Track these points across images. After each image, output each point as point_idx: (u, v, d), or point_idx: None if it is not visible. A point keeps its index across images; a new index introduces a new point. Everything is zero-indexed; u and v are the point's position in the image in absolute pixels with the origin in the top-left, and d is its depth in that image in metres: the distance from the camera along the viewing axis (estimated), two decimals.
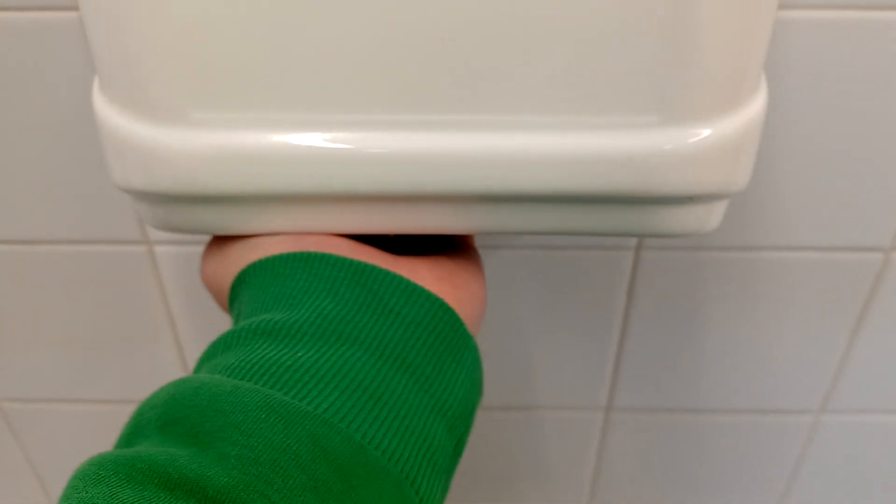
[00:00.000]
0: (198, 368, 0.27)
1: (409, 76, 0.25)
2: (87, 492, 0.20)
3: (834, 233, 0.48)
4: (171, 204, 0.29)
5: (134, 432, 0.24)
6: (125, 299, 0.53)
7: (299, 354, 0.24)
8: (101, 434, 0.61)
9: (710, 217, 0.29)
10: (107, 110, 0.27)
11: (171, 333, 0.55)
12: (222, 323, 0.54)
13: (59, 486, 0.63)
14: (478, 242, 0.36)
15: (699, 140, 0.26)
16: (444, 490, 0.26)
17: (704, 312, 0.52)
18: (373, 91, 0.25)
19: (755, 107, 0.27)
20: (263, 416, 0.22)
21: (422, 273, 0.28)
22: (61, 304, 0.53)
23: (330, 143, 0.26)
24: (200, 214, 0.29)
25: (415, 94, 0.25)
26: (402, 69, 0.25)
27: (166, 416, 0.23)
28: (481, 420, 0.58)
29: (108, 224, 0.49)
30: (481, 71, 0.25)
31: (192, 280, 0.52)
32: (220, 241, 0.31)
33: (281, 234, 0.29)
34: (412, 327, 0.26)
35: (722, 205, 0.29)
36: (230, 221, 0.29)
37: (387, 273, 0.27)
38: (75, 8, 0.41)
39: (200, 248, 0.50)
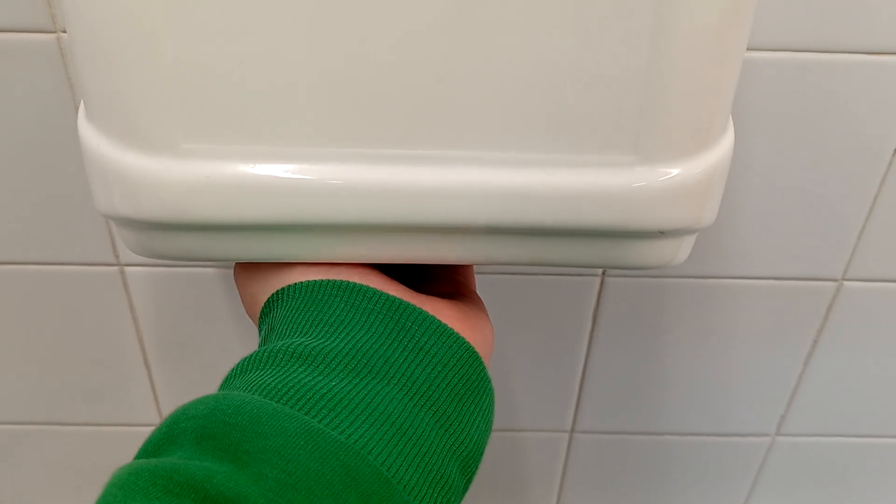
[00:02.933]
0: (229, 381, 0.27)
1: (395, 112, 0.26)
2: (125, 502, 0.21)
3: (789, 263, 0.50)
4: (155, 231, 0.29)
5: (165, 440, 0.24)
6: (95, 320, 0.53)
7: (333, 383, 0.25)
8: (66, 457, 0.60)
9: (679, 250, 0.30)
10: (94, 139, 0.28)
11: (140, 355, 0.55)
12: (192, 345, 0.54)
13: None
14: None
15: (670, 178, 0.27)
16: None
17: (666, 338, 0.54)
18: (358, 126, 0.26)
19: (723, 148, 0.28)
20: (302, 442, 0.23)
21: (445, 312, 0.29)
22: (30, 325, 0.53)
23: (319, 176, 0.27)
24: (184, 242, 0.29)
25: (401, 129, 0.26)
26: (388, 105, 0.26)
27: (204, 429, 0.23)
28: None
29: (79, 245, 0.49)
30: (466, 110, 0.26)
31: (162, 301, 0.52)
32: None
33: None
34: (439, 367, 0.27)
35: (691, 239, 0.31)
36: (214, 249, 0.29)
37: (420, 311, 0.28)
38: (52, 31, 0.41)
39: (172, 270, 0.50)
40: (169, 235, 0.29)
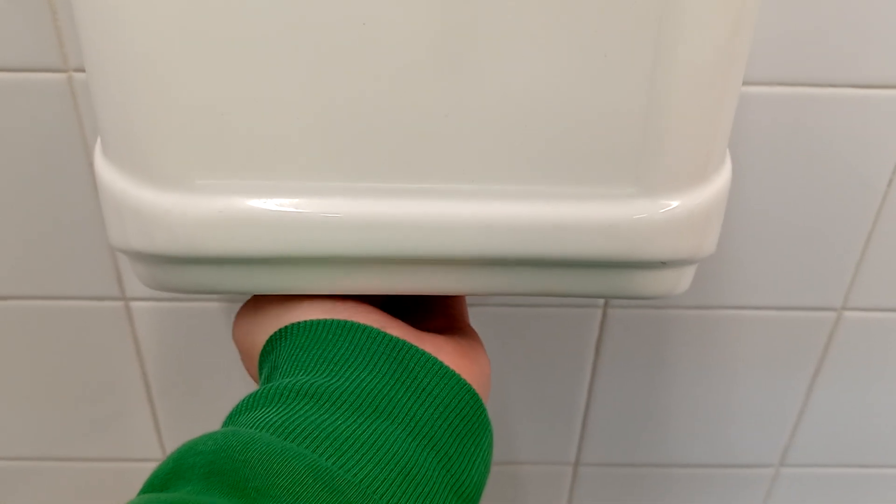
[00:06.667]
0: (234, 417, 0.27)
1: (402, 147, 0.27)
2: None
3: (789, 293, 0.50)
4: (168, 265, 0.29)
5: (172, 475, 0.24)
6: (99, 355, 0.53)
7: (339, 422, 0.26)
8: (69, 491, 0.60)
9: (681, 281, 0.31)
10: (109, 174, 0.28)
11: (143, 389, 0.55)
12: (195, 380, 0.54)
13: None
14: None
15: (671, 210, 0.28)
16: None
17: (668, 369, 0.54)
18: (366, 161, 0.27)
19: (721, 180, 0.29)
20: (310, 481, 0.23)
21: (446, 349, 0.29)
22: (34, 360, 0.53)
23: (327, 209, 0.28)
24: (196, 275, 0.30)
25: (408, 163, 0.27)
26: (394, 141, 0.27)
27: (213, 465, 0.24)
28: None
29: (84, 280, 0.49)
30: (470, 145, 0.27)
31: (167, 336, 0.52)
32: (257, 301, 0.32)
33: (315, 298, 0.30)
34: (441, 408, 0.28)
35: (691, 269, 0.31)
36: (226, 281, 0.30)
37: (422, 353, 0.28)
38: (63, 70, 0.42)
39: (177, 305, 0.51)
40: (181, 269, 0.29)
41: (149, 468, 0.57)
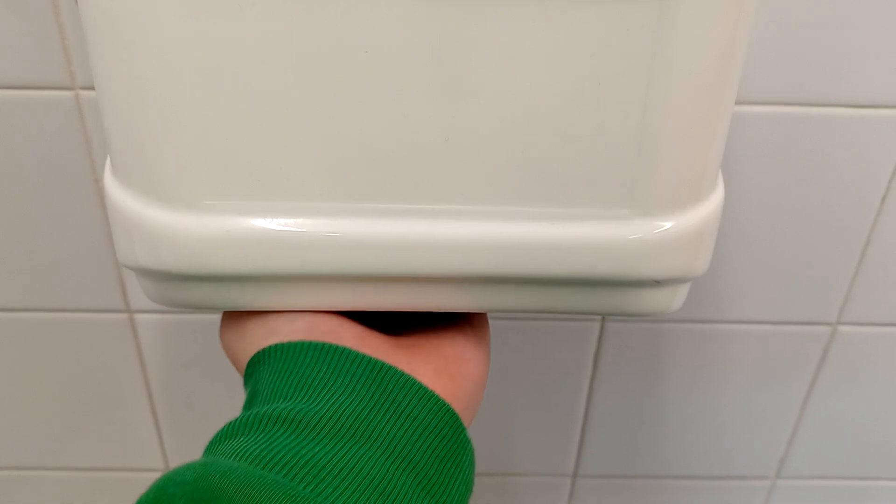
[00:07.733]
0: (214, 445, 0.28)
1: (404, 169, 0.28)
2: None
3: (785, 308, 0.51)
4: (175, 282, 0.30)
5: None
6: (103, 366, 0.53)
7: (316, 449, 0.26)
8: (74, 501, 0.60)
9: (675, 298, 0.32)
10: (118, 193, 0.29)
11: (146, 401, 0.55)
12: (198, 392, 0.55)
13: None
14: None
15: (664, 231, 0.29)
16: None
17: (665, 382, 0.54)
18: (368, 183, 0.28)
19: (713, 201, 0.30)
20: None
21: (420, 370, 0.29)
22: (39, 371, 0.53)
23: (330, 229, 0.28)
24: (203, 292, 0.30)
25: (409, 185, 0.28)
26: (396, 164, 0.27)
27: (194, 494, 0.24)
28: None
29: (89, 292, 0.50)
30: (470, 167, 0.27)
31: (170, 348, 0.53)
32: (236, 315, 0.32)
33: (294, 316, 0.30)
34: (420, 430, 0.28)
35: (685, 287, 0.32)
36: (231, 298, 0.31)
37: (400, 374, 0.29)
38: (71, 88, 0.43)
39: (180, 317, 0.51)
40: (188, 286, 0.30)
41: (151, 478, 0.58)
